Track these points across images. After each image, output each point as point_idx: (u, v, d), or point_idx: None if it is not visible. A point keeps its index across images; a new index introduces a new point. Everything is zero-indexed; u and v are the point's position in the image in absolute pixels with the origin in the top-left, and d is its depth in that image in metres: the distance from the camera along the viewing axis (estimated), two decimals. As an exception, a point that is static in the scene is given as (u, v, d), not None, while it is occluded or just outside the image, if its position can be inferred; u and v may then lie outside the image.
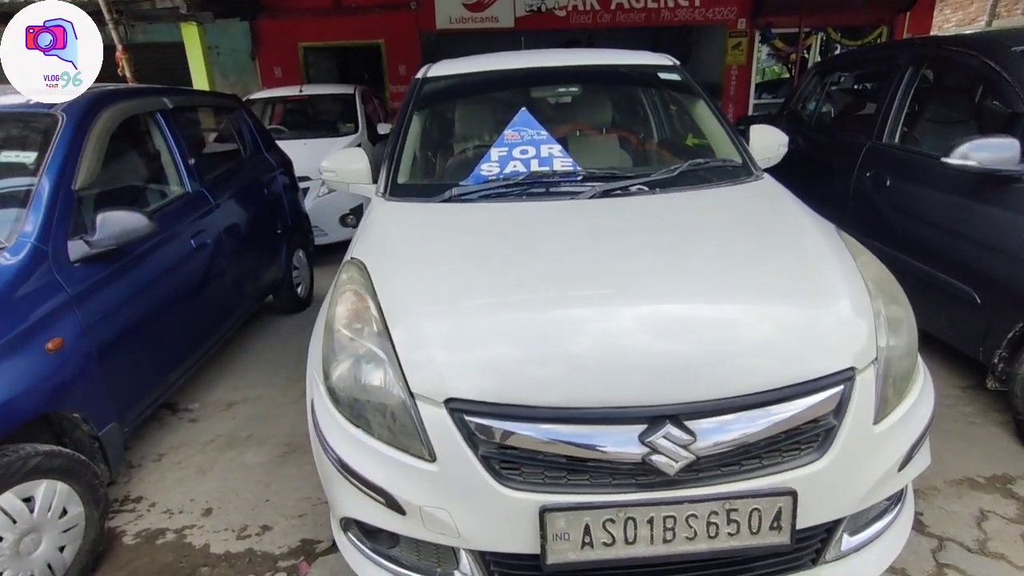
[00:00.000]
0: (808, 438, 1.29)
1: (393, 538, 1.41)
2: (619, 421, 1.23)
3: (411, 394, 1.30)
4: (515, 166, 2.06)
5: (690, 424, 1.23)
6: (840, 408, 1.29)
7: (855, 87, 3.87)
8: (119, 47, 6.03)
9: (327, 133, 5.79)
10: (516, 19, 8.59)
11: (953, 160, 2.40)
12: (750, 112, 8.99)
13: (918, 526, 1.94)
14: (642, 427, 1.22)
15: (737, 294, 1.44)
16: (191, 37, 6.43)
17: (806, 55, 9.99)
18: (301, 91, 6.41)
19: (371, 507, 1.34)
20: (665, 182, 2.00)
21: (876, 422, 1.32)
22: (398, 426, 1.31)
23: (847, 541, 1.39)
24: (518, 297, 1.48)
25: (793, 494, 1.22)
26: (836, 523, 1.34)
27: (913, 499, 1.63)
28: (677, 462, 1.20)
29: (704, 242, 1.68)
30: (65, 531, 1.78)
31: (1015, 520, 1.96)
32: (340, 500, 1.43)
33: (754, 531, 1.23)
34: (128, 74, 6.13)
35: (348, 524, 1.48)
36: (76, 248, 2.01)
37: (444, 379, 1.28)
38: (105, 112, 2.36)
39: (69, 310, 1.92)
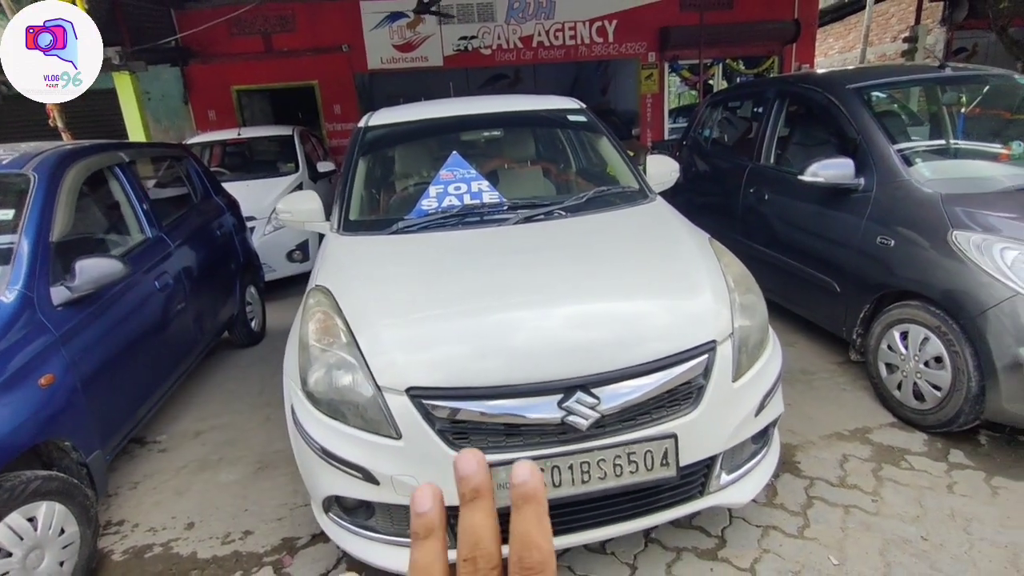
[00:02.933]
0: (684, 395, 1.71)
1: (368, 511, 1.72)
2: (541, 393, 1.61)
3: (378, 387, 1.64)
4: (450, 200, 2.44)
5: (596, 391, 1.62)
6: (707, 371, 1.72)
7: (739, 117, 4.51)
8: (50, 98, 6.06)
9: (268, 173, 5.99)
10: (444, 58, 9.09)
11: (806, 177, 2.97)
12: (665, 136, 9.82)
13: (794, 471, 2.41)
14: (559, 396, 1.60)
15: (629, 292, 1.87)
16: (124, 86, 6.51)
17: (711, 82, 11.02)
18: (240, 134, 6.59)
19: (350, 482, 1.66)
20: (577, 207, 2.43)
21: (735, 380, 1.76)
22: (369, 415, 1.64)
23: (725, 478, 1.82)
24: (459, 305, 1.85)
25: (674, 437, 1.64)
26: (712, 460, 1.76)
27: (779, 444, 2.08)
28: (587, 420, 1.59)
29: (605, 254, 2.11)
30: (64, 547, 1.97)
31: (868, 459, 2.46)
32: (321, 483, 1.73)
33: (649, 468, 1.63)
34: (60, 124, 6.15)
35: (329, 504, 1.78)
36: (58, 293, 2.22)
37: (404, 373, 1.63)
38: (71, 169, 2.58)
39: (56, 349, 2.13)
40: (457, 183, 2.48)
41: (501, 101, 3.14)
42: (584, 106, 3.10)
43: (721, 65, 10.37)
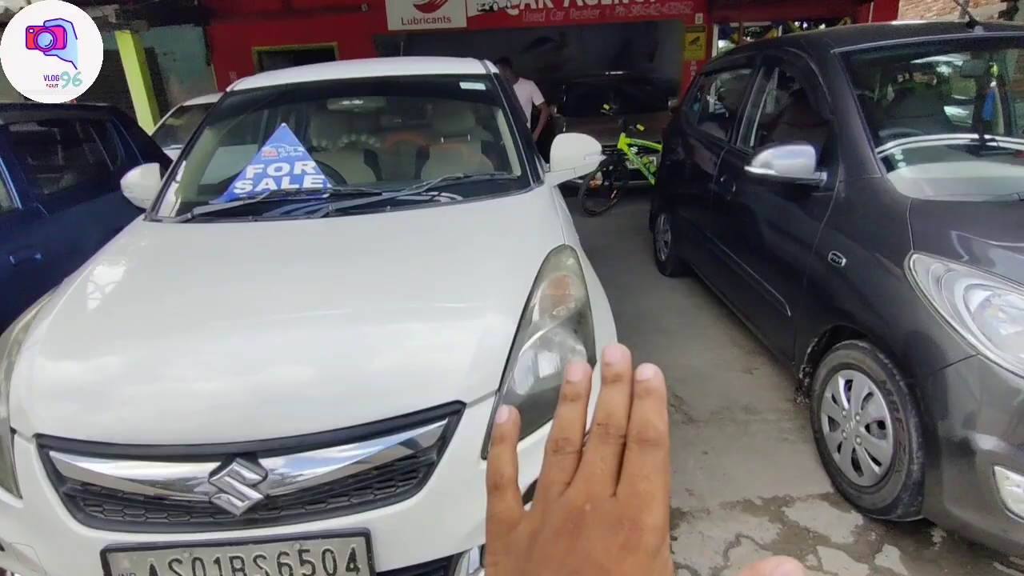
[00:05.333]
0: (404, 474, 1.24)
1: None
2: (192, 459, 1.20)
3: (12, 429, 1.28)
4: (267, 183, 2.03)
5: (267, 462, 1.19)
6: (442, 443, 1.25)
7: (729, 90, 3.77)
8: (51, 57, 6.10)
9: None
10: (468, 19, 8.53)
11: (755, 168, 2.32)
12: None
13: (658, 553, 1.87)
14: (215, 465, 1.19)
15: (363, 326, 1.40)
16: (126, 46, 6.48)
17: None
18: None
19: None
20: (416, 199, 1.95)
21: (486, 457, 1.27)
22: (3, 461, 1.30)
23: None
24: (141, 333, 1.44)
25: (366, 535, 1.18)
26: (450, 562, 1.29)
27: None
28: (243, 502, 1.17)
29: (394, 267, 1.62)
30: None
31: (767, 547, 1.88)
32: None
33: (330, 572, 1.19)
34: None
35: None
36: None
37: (35, 414, 1.26)
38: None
39: None
40: (279, 162, 2.05)
41: (393, 65, 2.65)
42: (492, 72, 2.56)
43: (781, 29, 9.13)
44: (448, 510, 1.25)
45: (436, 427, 1.24)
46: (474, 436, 1.26)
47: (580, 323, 1.52)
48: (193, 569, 1.18)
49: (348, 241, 1.75)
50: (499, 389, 1.31)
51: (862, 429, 1.92)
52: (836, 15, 8.46)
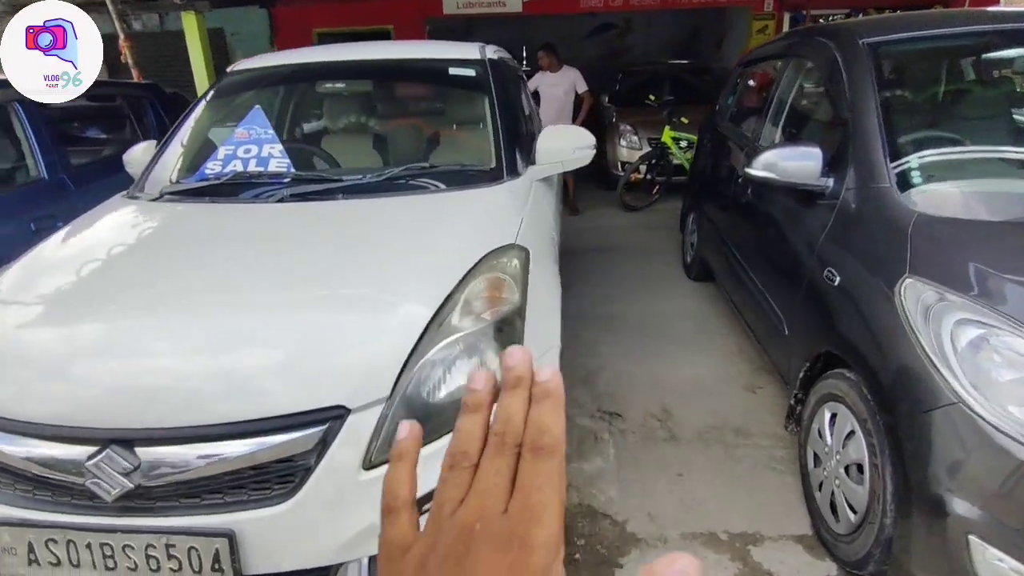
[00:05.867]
0: (276, 477, 1.19)
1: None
2: (73, 441, 1.20)
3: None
4: (236, 165, 2.02)
5: (143, 451, 1.17)
6: (322, 448, 1.19)
7: (762, 83, 3.45)
8: (122, 36, 6.48)
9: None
10: (524, 3, 8.35)
11: (755, 171, 2.10)
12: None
13: (596, 581, 1.75)
14: (93, 449, 1.18)
15: (258, 317, 1.34)
16: (190, 25, 6.78)
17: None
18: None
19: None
20: (374, 187, 1.89)
21: (369, 467, 1.20)
22: None
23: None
24: (42, 312, 1.46)
25: (229, 536, 1.14)
26: (330, 570, 1.23)
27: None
28: (115, 488, 1.16)
29: (309, 255, 1.55)
30: None
31: (718, 588, 1.72)
32: None
33: (196, 570, 1.16)
34: (130, 62, 6.58)
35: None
36: None
37: None
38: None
39: None
40: (249, 144, 2.05)
41: (387, 48, 2.59)
42: (488, 58, 2.45)
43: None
44: (323, 519, 1.19)
45: (314, 432, 1.18)
46: (356, 444, 1.20)
47: (506, 331, 1.42)
48: (67, 551, 1.19)
49: (288, 228, 1.71)
50: (391, 396, 1.23)
51: (841, 470, 1.71)
52: (927, 3, 7.68)
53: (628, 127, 6.76)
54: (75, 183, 3.12)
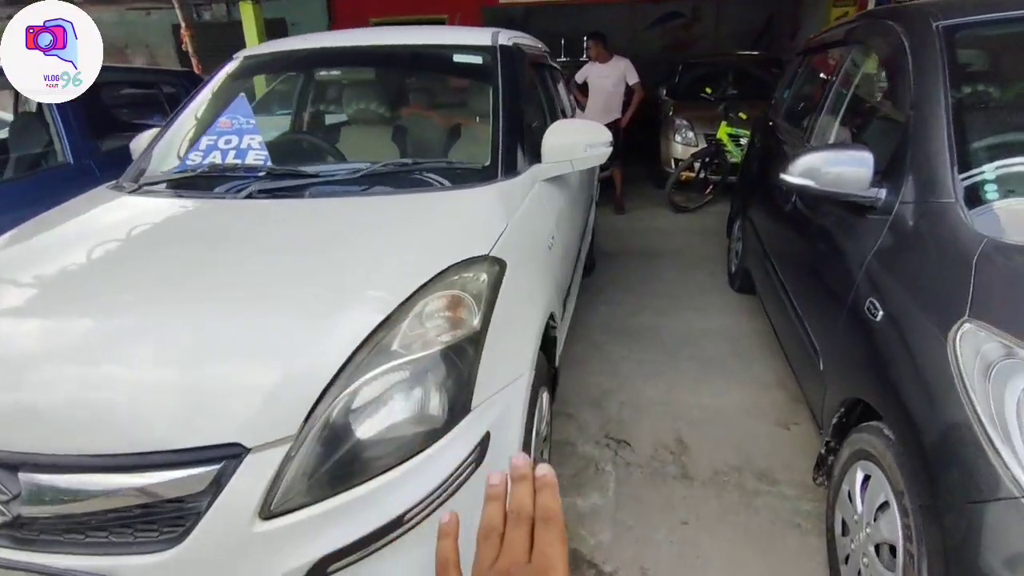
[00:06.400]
0: (166, 519, 1.04)
1: None
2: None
3: None
4: (215, 156, 1.91)
5: (25, 477, 1.05)
6: (215, 491, 1.03)
7: (823, 73, 3.03)
8: (184, 26, 6.68)
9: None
10: (580, -10, 8.02)
11: (791, 177, 1.79)
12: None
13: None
14: (-17, 474, 1.07)
15: (164, 336, 1.17)
16: (247, 15, 6.92)
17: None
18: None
19: None
20: (347, 185, 1.73)
21: (267, 517, 1.03)
22: None
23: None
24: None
25: (103, 584, 1.00)
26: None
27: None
28: (-7, 517, 1.04)
29: (248, 262, 1.38)
30: None
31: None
32: None
33: (71, 617, 1.03)
34: (190, 50, 6.79)
35: None
36: None
37: None
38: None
39: None
40: (231, 135, 1.93)
41: (395, 34, 2.40)
42: (499, 45, 2.22)
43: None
44: (212, 572, 1.04)
45: (206, 471, 1.02)
46: (253, 489, 1.03)
47: (455, 360, 1.22)
48: (-50, 579, 1.09)
49: (239, 228, 1.57)
50: (300, 433, 1.06)
51: (871, 547, 1.40)
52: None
53: (683, 122, 6.35)
54: (101, 168, 3.15)
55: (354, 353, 1.11)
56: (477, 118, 2.06)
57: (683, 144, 6.28)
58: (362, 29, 2.58)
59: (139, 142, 2.40)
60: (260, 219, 1.60)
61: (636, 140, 7.08)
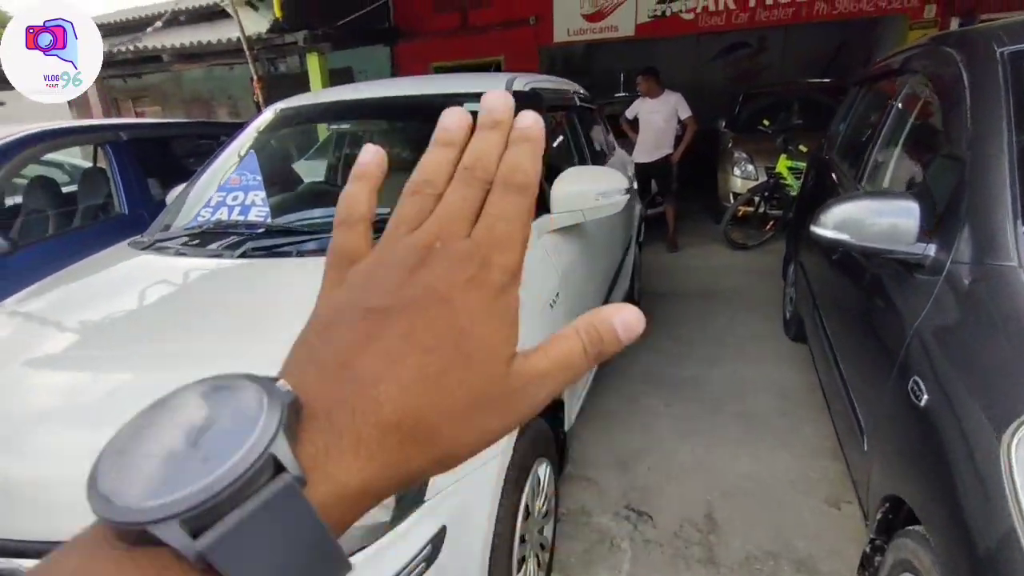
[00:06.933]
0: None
1: None
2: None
3: None
4: (223, 213, 1.94)
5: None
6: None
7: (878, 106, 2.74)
8: (255, 77, 7.16)
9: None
10: (637, 27, 7.94)
11: (823, 230, 1.58)
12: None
13: None
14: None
15: (87, 417, 1.14)
16: (313, 65, 7.34)
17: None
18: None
19: None
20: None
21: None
22: None
23: None
24: None
25: None
26: None
27: None
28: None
29: (197, 336, 1.35)
30: None
31: None
32: None
33: None
34: (261, 100, 7.25)
35: None
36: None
37: None
38: (29, 150, 2.84)
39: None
40: (238, 191, 1.95)
41: (406, 85, 2.39)
42: (510, 90, 2.16)
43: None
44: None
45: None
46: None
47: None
48: None
49: (216, 294, 1.54)
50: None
51: None
52: None
53: (742, 154, 6.06)
54: (152, 217, 3.32)
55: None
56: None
57: (742, 178, 5.98)
58: (382, 80, 2.61)
59: (173, 194, 2.49)
60: (239, 283, 1.58)
61: (692, 174, 6.84)
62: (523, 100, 2.13)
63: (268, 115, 2.46)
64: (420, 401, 0.24)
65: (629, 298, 3.65)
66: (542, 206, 1.91)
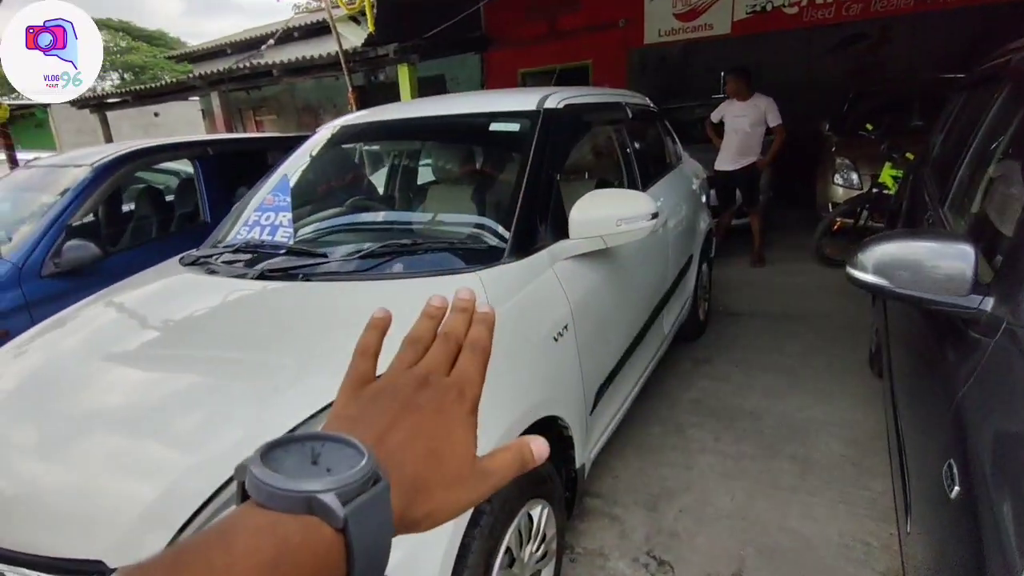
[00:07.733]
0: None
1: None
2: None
3: None
4: (255, 233, 2.04)
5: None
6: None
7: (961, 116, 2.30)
8: (350, 88, 7.58)
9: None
10: (733, 24, 7.46)
11: (860, 272, 1.36)
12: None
13: None
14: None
15: (81, 441, 1.21)
16: (403, 75, 7.62)
17: None
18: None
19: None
20: (348, 267, 1.71)
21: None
22: None
23: None
24: None
25: None
26: None
27: None
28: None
29: (192, 363, 1.40)
30: None
31: None
32: None
33: None
34: (354, 109, 7.66)
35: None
36: (48, 266, 2.81)
37: None
38: (127, 166, 3.18)
39: (23, 311, 2.71)
40: (270, 212, 2.04)
41: (439, 104, 2.37)
42: (542, 108, 2.07)
43: None
44: None
45: (67, 584, 1.02)
46: (112, 613, 0.99)
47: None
48: None
49: (218, 318, 1.62)
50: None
51: None
52: None
53: (846, 161, 5.50)
54: (232, 226, 3.61)
55: (229, 480, 1.04)
56: (505, 190, 1.93)
57: (844, 187, 5.44)
58: (420, 100, 2.62)
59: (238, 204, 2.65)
60: (245, 306, 1.64)
61: (787, 182, 6.31)
62: (553, 118, 2.05)
63: (324, 133, 2.55)
64: (425, 469, 0.36)
65: (690, 321, 3.42)
66: (561, 230, 1.83)
